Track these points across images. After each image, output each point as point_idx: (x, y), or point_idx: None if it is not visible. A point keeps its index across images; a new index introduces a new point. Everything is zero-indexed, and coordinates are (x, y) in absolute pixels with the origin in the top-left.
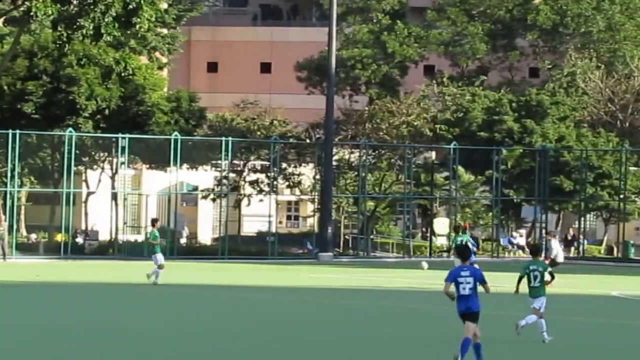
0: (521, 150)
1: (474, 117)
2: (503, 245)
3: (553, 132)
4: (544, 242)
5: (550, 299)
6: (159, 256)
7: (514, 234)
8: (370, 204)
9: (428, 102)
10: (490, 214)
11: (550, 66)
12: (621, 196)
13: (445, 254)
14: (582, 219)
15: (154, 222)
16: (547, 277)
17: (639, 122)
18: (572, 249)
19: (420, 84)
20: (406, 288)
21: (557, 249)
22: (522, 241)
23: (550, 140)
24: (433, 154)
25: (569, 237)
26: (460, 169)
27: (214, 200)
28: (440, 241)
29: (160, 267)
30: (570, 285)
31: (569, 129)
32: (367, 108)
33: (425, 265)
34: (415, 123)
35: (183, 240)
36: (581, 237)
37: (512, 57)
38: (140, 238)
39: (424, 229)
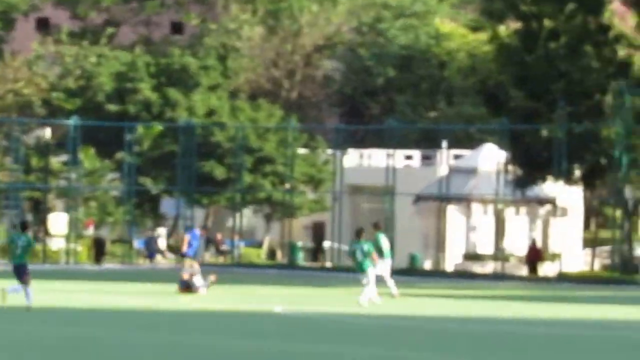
0: (161, 128)
1: (100, 85)
2: (137, 249)
3: (202, 104)
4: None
5: (197, 317)
6: None
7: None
8: None
9: (42, 65)
10: (122, 208)
11: (198, 21)
12: (287, 186)
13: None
14: (238, 214)
15: None
16: None
17: (310, 91)
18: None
19: (32, 41)
20: None
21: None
22: (161, 243)
23: (197, 115)
24: (48, 132)
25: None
26: (84, 151)
27: None
28: (57, 244)
29: None
30: (221, 300)
31: (221, 101)
32: None
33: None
34: (25, 92)
35: None
36: (236, 237)
37: (149, 9)
38: None
39: (36, 228)
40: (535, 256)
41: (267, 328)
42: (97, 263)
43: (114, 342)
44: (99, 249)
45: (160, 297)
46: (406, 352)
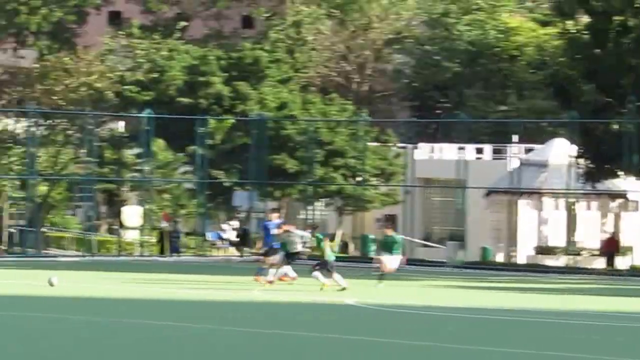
0: (233, 121)
1: (172, 78)
2: (211, 241)
3: (273, 97)
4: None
5: (274, 309)
6: None
7: (224, 226)
8: (43, 187)
9: (114, 59)
10: (195, 201)
11: (268, 14)
12: (358, 179)
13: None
14: (310, 207)
15: None
16: None
17: (380, 85)
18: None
19: (104, 35)
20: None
21: None
22: (233, 235)
23: (269, 109)
24: (121, 125)
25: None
26: (157, 144)
27: None
28: (131, 235)
29: None
30: (292, 292)
31: (292, 94)
32: (36, 65)
33: (55, 280)
34: (98, 85)
35: None
36: (308, 230)
37: (221, 3)
38: None
39: (110, 221)
40: (612, 248)
41: (339, 320)
42: (164, 254)
43: (200, 334)
44: (168, 241)
45: (233, 289)
46: (476, 345)
